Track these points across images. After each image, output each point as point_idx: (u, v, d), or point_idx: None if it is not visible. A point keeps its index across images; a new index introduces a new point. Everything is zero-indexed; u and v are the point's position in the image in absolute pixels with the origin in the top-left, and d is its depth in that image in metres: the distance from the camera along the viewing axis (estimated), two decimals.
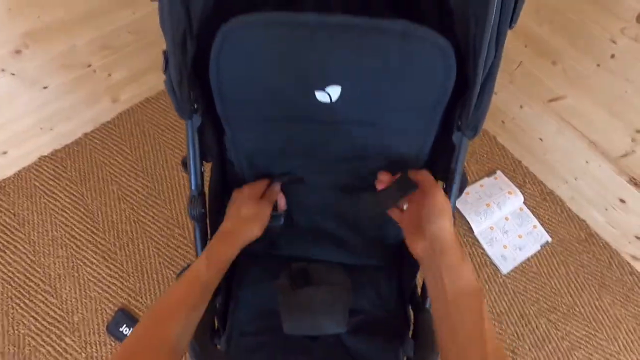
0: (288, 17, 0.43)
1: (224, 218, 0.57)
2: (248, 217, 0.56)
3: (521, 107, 1.14)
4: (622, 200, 1.05)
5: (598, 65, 0.90)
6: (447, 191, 0.54)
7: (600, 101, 0.94)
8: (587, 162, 1.07)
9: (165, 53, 0.44)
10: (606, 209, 1.11)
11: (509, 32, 0.42)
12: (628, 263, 1.14)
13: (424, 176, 0.50)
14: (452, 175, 0.52)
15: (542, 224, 1.18)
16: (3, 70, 0.93)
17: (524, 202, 1.20)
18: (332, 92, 0.47)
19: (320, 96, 0.47)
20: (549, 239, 1.16)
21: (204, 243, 0.59)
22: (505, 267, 1.12)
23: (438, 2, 0.49)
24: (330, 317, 0.56)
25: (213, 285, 0.50)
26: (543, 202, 1.22)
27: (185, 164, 0.56)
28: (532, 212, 1.20)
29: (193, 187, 0.55)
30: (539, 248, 1.15)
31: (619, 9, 0.80)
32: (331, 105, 0.48)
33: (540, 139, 1.16)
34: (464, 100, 0.47)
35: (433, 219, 0.46)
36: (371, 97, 0.48)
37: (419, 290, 0.63)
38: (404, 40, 0.43)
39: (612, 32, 0.84)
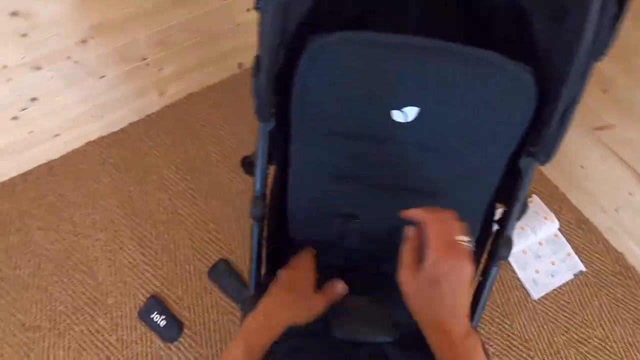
0: (376, 36, 0.45)
1: (279, 222, 0.58)
2: (293, 305, 0.52)
3: None
4: None
5: None
6: (507, 217, 0.54)
7: None
8: (630, 194, 1.05)
9: (257, 58, 0.47)
10: None
11: None
12: None
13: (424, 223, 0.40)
14: (514, 201, 0.52)
15: (576, 253, 1.15)
16: (68, 57, 0.98)
17: (559, 229, 1.18)
18: (409, 113, 0.48)
19: (397, 115, 0.48)
20: (583, 269, 1.13)
21: (259, 242, 0.60)
22: (536, 293, 1.10)
23: (518, 32, 0.49)
24: (381, 325, 0.56)
25: None
26: (579, 230, 1.19)
27: (246, 164, 0.58)
28: (567, 239, 1.17)
29: (258, 188, 0.56)
30: (572, 277, 1.12)
31: None
32: (406, 125, 0.49)
33: (582, 166, 1.14)
34: (540, 126, 0.47)
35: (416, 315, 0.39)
36: (448, 122, 0.48)
37: None
38: (491, 71, 0.44)
39: None
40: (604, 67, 0.95)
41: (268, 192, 0.60)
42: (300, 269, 0.56)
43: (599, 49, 0.40)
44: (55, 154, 1.19)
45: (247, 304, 0.61)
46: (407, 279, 0.40)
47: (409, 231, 0.42)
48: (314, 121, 0.52)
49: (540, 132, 0.47)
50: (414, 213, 0.41)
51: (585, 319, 1.08)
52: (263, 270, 0.64)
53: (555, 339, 1.05)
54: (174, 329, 0.99)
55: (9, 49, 0.89)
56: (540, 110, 0.47)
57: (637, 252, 1.12)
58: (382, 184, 0.56)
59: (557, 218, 1.18)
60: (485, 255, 0.60)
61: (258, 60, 0.46)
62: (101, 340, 1.00)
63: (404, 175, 0.54)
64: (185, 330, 1.01)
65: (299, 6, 0.47)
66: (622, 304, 1.10)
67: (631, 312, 1.09)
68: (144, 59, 1.11)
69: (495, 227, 0.58)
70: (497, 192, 0.56)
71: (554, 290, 1.11)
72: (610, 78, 0.94)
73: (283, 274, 0.55)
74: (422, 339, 0.62)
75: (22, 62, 0.92)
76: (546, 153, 0.47)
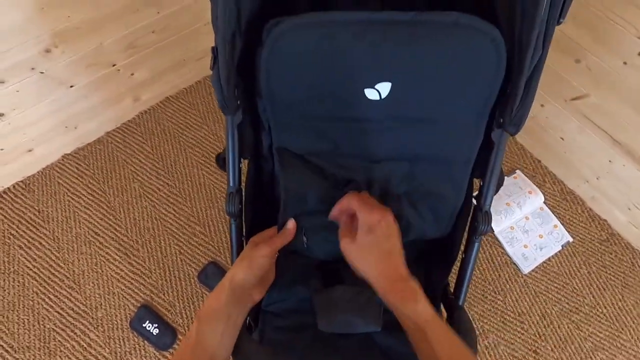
0: (337, 16, 0.44)
1: (257, 217, 0.57)
2: (244, 259, 0.51)
3: (542, 105, 1.14)
4: None
5: (625, 62, 0.89)
6: (484, 189, 0.54)
7: (626, 99, 0.94)
8: (610, 161, 1.06)
9: (213, 50, 0.45)
10: (629, 209, 1.10)
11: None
12: None
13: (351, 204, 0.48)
14: (490, 173, 0.52)
15: (562, 224, 1.17)
16: (33, 69, 0.95)
17: (545, 202, 1.19)
18: (382, 89, 0.47)
19: (370, 94, 0.48)
20: (570, 239, 1.15)
21: (239, 239, 0.60)
22: (526, 267, 1.11)
23: (480, 3, 0.49)
24: (365, 315, 0.55)
25: None
26: (563, 201, 1.21)
27: (221, 160, 0.56)
28: (553, 211, 1.19)
29: (231, 184, 0.55)
30: (560, 248, 1.14)
31: None
32: (381, 102, 0.48)
33: (562, 138, 1.15)
34: (507, 96, 0.47)
35: (356, 270, 0.47)
36: (422, 92, 0.48)
37: (452, 287, 0.63)
38: (456, 31, 0.43)
39: (638, 28, 0.83)
40: (575, 36, 0.96)
41: (244, 187, 0.59)
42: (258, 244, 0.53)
43: (557, 10, 0.40)
44: (30, 170, 1.16)
45: None
46: (348, 245, 0.48)
47: (334, 211, 0.51)
48: (287, 108, 0.51)
49: (507, 104, 0.47)
50: (340, 205, 0.50)
51: (575, 288, 1.10)
52: None
53: (547, 310, 1.07)
54: (168, 336, 0.98)
55: None
56: (506, 81, 0.47)
57: (621, 218, 1.14)
58: (364, 159, 0.55)
59: (541, 191, 1.20)
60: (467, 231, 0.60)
61: (215, 52, 0.45)
62: (94, 354, 0.98)
63: (385, 148, 0.54)
64: (179, 337, 1.00)
65: None
66: (610, 270, 1.12)
67: (619, 277, 1.11)
68: (114, 65, 1.09)
69: (474, 202, 0.58)
70: (474, 167, 0.56)
71: (543, 262, 1.12)
72: (582, 47, 0.95)
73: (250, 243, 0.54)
74: None
75: None
76: (515, 123, 0.47)
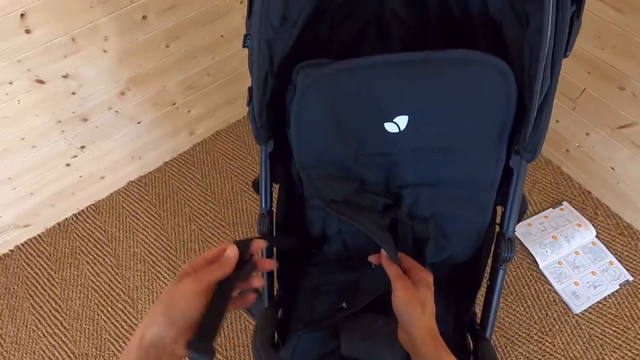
0: (359, 61, 0.50)
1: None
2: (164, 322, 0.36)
3: (587, 134, 1.09)
4: None
5: None
6: (506, 215, 0.54)
7: None
8: None
9: (249, 89, 0.53)
10: None
11: (570, 59, 0.44)
12: None
13: (404, 263, 0.49)
14: (511, 200, 0.53)
15: (620, 261, 1.07)
16: (110, 108, 1.12)
17: (597, 236, 1.11)
18: (400, 122, 0.52)
19: (390, 127, 0.53)
20: (630, 278, 1.05)
21: (268, 257, 0.64)
22: (577, 307, 1.02)
23: (493, 32, 0.52)
24: (390, 347, 0.55)
25: None
26: (620, 236, 1.11)
27: (256, 184, 0.63)
28: (608, 247, 1.10)
29: (263, 205, 0.61)
30: (618, 287, 1.04)
31: None
32: (400, 134, 0.53)
33: (612, 168, 1.08)
34: (521, 124, 0.49)
35: (401, 311, 0.45)
36: (436, 122, 0.52)
37: (479, 317, 0.62)
38: (465, 66, 0.47)
39: None
40: (617, 64, 0.93)
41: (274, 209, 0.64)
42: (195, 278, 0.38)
43: (563, 43, 0.42)
44: (101, 195, 1.33)
45: (260, 320, 0.64)
46: (406, 289, 0.46)
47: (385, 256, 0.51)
48: (316, 157, 0.57)
49: (521, 131, 0.49)
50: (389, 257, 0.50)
51: (638, 334, 0.98)
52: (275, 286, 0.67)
53: (605, 357, 0.97)
54: (207, 355, 1.03)
55: (61, 105, 1.04)
56: (521, 109, 0.49)
57: None
58: (388, 187, 0.59)
59: (593, 225, 1.12)
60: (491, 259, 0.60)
61: (250, 91, 0.53)
62: None
63: (409, 176, 0.57)
64: (218, 356, 1.05)
65: (282, 43, 0.53)
66: None
67: None
68: (174, 104, 1.25)
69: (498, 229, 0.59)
70: (497, 194, 0.57)
71: (598, 302, 1.03)
72: (626, 74, 0.92)
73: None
74: None
75: (72, 116, 1.08)
76: (530, 150, 0.49)
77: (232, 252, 0.41)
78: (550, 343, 0.99)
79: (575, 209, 1.15)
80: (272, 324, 0.60)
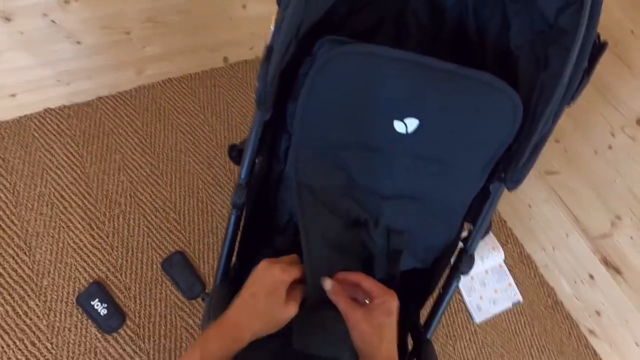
0: (389, 51, 0.48)
1: (257, 214, 0.57)
2: (266, 315, 0.45)
3: None
4: (591, 276, 1.15)
5: (595, 152, 1.01)
6: (474, 234, 0.58)
7: (590, 183, 1.05)
8: (567, 234, 1.17)
9: (269, 49, 0.47)
10: (575, 282, 1.20)
11: None
12: (584, 336, 1.23)
13: (363, 285, 0.47)
14: (481, 221, 0.57)
15: (516, 284, 1.25)
16: (45, 15, 0.91)
17: (504, 260, 1.28)
18: (410, 124, 0.52)
19: (398, 126, 0.52)
20: (521, 299, 1.23)
21: (235, 230, 0.59)
22: (478, 317, 1.17)
23: (504, 62, 0.55)
24: (346, 343, 0.51)
25: None
26: (520, 263, 1.30)
27: (236, 151, 0.57)
28: (510, 270, 1.27)
29: (243, 176, 0.56)
30: (511, 306, 1.22)
31: (623, 108, 0.92)
32: (405, 136, 0.52)
33: (529, 205, 1.25)
34: (510, 155, 0.52)
35: (358, 347, 0.45)
36: (444, 135, 0.52)
37: (422, 319, 0.66)
38: (489, 91, 0.48)
39: (613, 126, 0.95)
40: (561, 120, 1.07)
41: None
42: (281, 266, 0.47)
43: (571, 95, 0.46)
44: (7, 115, 1.09)
45: (213, 295, 0.59)
46: (360, 316, 0.45)
47: (334, 286, 0.49)
48: (315, 129, 0.53)
49: (511, 162, 0.52)
50: (351, 277, 0.49)
51: (517, 346, 1.17)
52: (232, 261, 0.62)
53: None
54: (115, 319, 0.92)
55: None
56: (515, 142, 0.52)
57: (567, 289, 1.24)
58: (375, 194, 0.58)
59: (503, 250, 1.28)
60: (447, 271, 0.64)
61: (270, 50, 0.47)
62: (28, 324, 0.90)
63: (397, 184, 0.57)
64: (127, 322, 0.94)
65: (315, 10, 0.49)
66: (549, 335, 1.20)
67: (556, 343, 1.20)
68: (128, 33, 1.07)
69: (460, 244, 0.63)
70: (468, 211, 0.61)
71: (494, 316, 1.19)
72: (563, 130, 1.07)
73: (262, 265, 0.47)
74: None
75: None
76: (515, 180, 0.52)
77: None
78: (451, 347, 1.12)
79: (493, 234, 1.31)
80: (226, 301, 0.55)
